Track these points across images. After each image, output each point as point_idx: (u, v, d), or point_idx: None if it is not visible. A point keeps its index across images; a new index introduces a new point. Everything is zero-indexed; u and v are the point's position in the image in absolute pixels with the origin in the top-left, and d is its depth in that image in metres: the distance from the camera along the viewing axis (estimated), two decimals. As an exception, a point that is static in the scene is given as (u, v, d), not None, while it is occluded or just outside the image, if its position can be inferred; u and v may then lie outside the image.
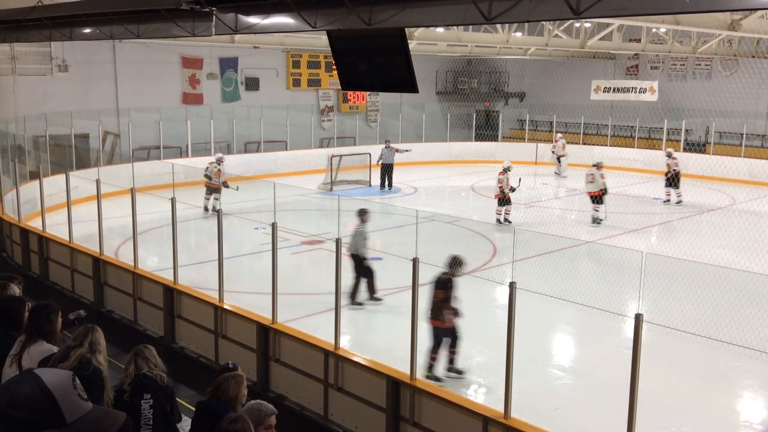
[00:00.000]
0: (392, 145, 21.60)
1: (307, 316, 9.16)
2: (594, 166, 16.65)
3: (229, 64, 24.64)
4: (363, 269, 10.42)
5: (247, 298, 9.46)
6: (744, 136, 24.19)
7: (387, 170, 21.13)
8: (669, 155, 19.56)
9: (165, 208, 9.75)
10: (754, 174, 22.00)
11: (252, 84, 25.36)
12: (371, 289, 10.49)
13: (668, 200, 19.14)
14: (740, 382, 8.18)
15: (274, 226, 7.97)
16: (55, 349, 4.59)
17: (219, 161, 17.02)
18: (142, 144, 21.60)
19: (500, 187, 16.27)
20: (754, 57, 24.34)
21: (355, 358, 7.18)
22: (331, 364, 7.30)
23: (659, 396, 7.33)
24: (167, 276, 9.64)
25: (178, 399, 5.31)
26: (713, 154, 24.34)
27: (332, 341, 7.33)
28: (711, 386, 8.08)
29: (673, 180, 19.07)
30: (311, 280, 11.74)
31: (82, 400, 1.88)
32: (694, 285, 11.26)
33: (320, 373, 7.40)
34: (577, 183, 22.26)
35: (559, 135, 25.70)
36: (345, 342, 7.93)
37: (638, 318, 5.30)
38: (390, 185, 21.13)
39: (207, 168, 16.86)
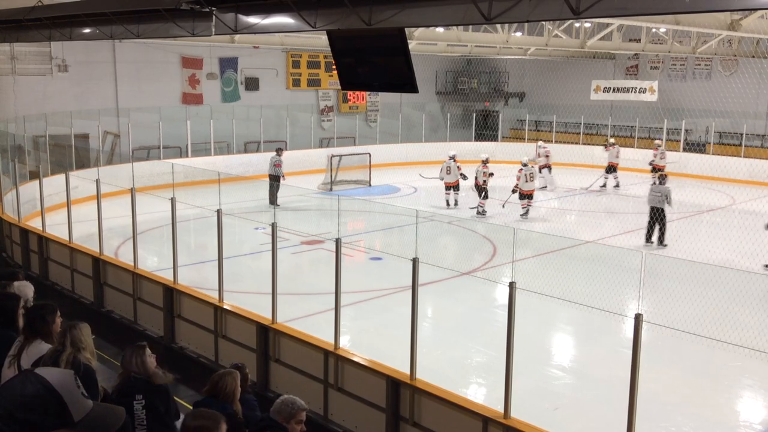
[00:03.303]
0: (283, 156, 18.56)
1: (307, 316, 9.15)
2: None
3: (228, 64, 24.65)
4: (661, 218, 14.39)
5: (247, 298, 9.45)
6: (744, 136, 24.18)
7: (272, 182, 17.86)
8: (484, 162, 17.91)
9: (165, 208, 9.75)
10: (754, 174, 21.97)
11: (252, 84, 25.36)
12: (661, 237, 14.43)
13: (480, 211, 17.53)
14: (740, 382, 8.18)
15: (273, 226, 7.98)
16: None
17: (453, 158, 18.28)
18: (142, 144, 21.60)
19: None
20: (754, 57, 24.35)
21: (355, 358, 7.18)
22: (330, 364, 7.30)
23: (659, 396, 7.33)
24: (167, 276, 9.64)
25: (177, 399, 5.30)
26: (713, 154, 24.34)
27: (332, 341, 7.34)
28: (711, 386, 8.08)
29: (481, 190, 17.61)
30: (311, 280, 11.74)
31: (85, 398, 1.88)
32: (694, 285, 11.25)
33: (320, 373, 7.40)
34: (577, 183, 22.29)
35: (541, 142, 23.34)
36: (345, 342, 7.93)
37: (638, 318, 5.30)
38: (274, 201, 17.64)
39: (448, 168, 18.14)
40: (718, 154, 24.12)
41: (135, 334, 9.73)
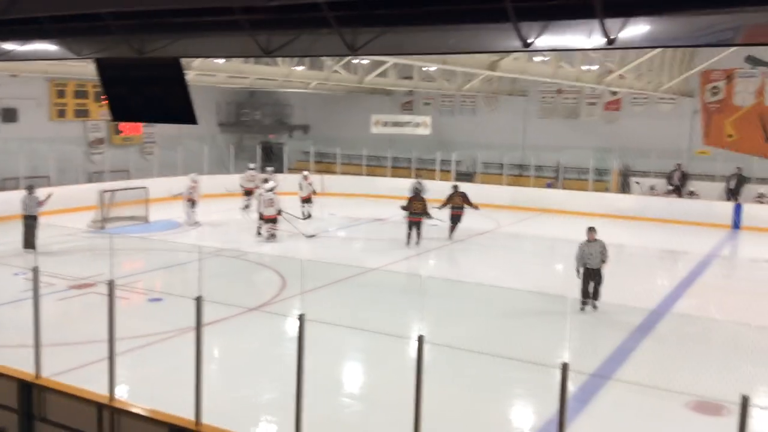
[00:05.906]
0: (37, 192, 16.35)
1: (79, 368, 8.34)
2: None
3: (-20, 93, 22.12)
4: (596, 278, 12.06)
5: (8, 352, 8.40)
6: (504, 165, 26.79)
7: (27, 222, 15.70)
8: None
9: None
10: (515, 199, 24.34)
11: (9, 115, 23.00)
12: (596, 294, 12.06)
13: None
14: (512, 392, 8.83)
15: (35, 270, 7.18)
16: None
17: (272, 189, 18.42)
18: None
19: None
20: (510, 95, 27.23)
21: (134, 409, 6.64)
22: (105, 417, 6.68)
23: (442, 412, 7.66)
24: None
25: None
26: (480, 182, 26.59)
27: (107, 393, 6.73)
28: (487, 397, 8.62)
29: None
30: (82, 328, 10.73)
31: None
32: (468, 303, 12.07)
33: (93, 429, 6.73)
34: (362, 212, 23.03)
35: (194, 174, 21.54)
36: (123, 392, 7.32)
37: (420, 339, 5.50)
38: (33, 244, 15.41)
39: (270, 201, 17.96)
40: (484, 183, 26.46)
41: None
